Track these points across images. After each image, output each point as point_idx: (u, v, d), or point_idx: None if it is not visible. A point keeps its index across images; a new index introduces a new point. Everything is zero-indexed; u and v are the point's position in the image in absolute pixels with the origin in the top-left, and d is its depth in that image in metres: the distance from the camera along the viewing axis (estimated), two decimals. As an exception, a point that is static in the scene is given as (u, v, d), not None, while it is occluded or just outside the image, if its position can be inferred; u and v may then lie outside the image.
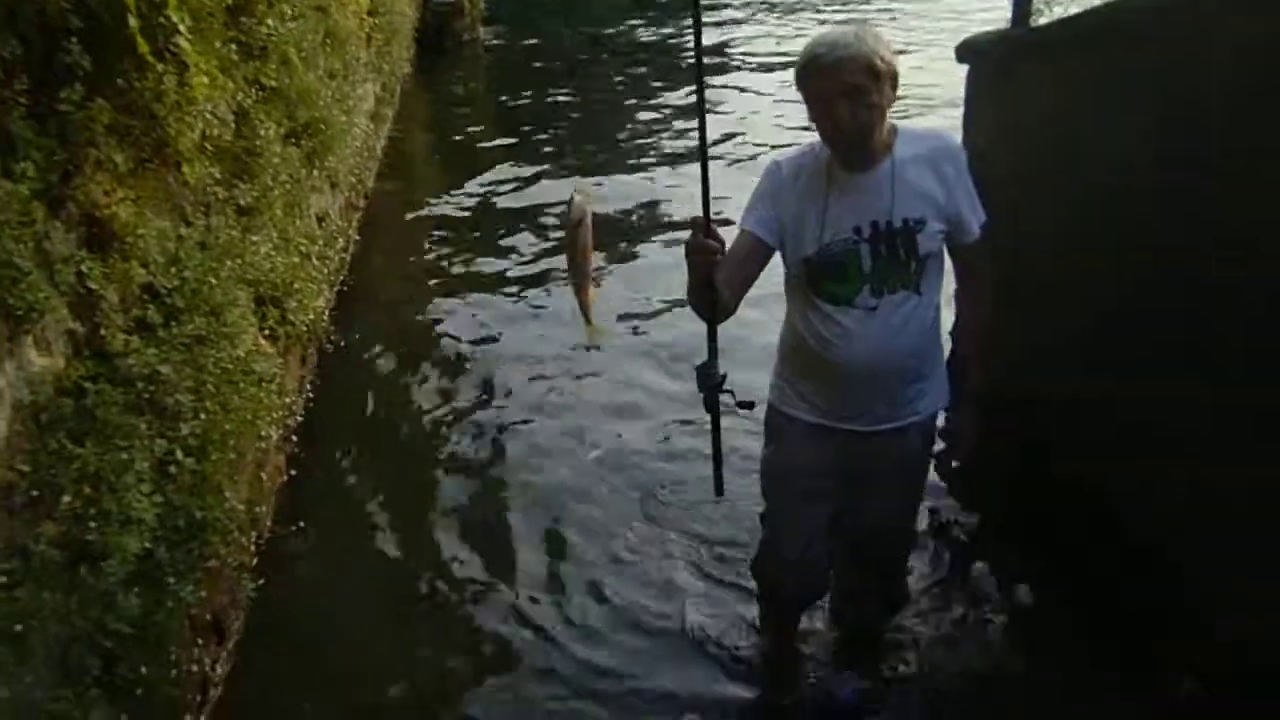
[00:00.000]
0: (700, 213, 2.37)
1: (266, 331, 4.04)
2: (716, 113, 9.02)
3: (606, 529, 3.83)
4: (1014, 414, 3.69)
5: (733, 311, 2.54)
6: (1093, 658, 3.02)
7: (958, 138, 2.54)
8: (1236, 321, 2.74)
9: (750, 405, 2.59)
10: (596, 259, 2.44)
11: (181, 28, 2.76)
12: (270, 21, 4.25)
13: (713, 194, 2.38)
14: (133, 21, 2.53)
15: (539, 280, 6.20)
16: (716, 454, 2.72)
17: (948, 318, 2.85)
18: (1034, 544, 3.54)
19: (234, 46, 3.75)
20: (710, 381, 2.48)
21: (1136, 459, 3.27)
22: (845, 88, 2.31)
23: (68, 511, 2.40)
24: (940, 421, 2.80)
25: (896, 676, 3.09)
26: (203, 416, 2.99)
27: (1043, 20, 4.10)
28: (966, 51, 4.40)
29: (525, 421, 4.64)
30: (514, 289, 6.13)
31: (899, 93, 2.39)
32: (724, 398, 2.52)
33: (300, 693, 3.20)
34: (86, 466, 2.45)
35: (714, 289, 2.38)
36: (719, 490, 2.77)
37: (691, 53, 2.53)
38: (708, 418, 2.62)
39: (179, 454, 2.89)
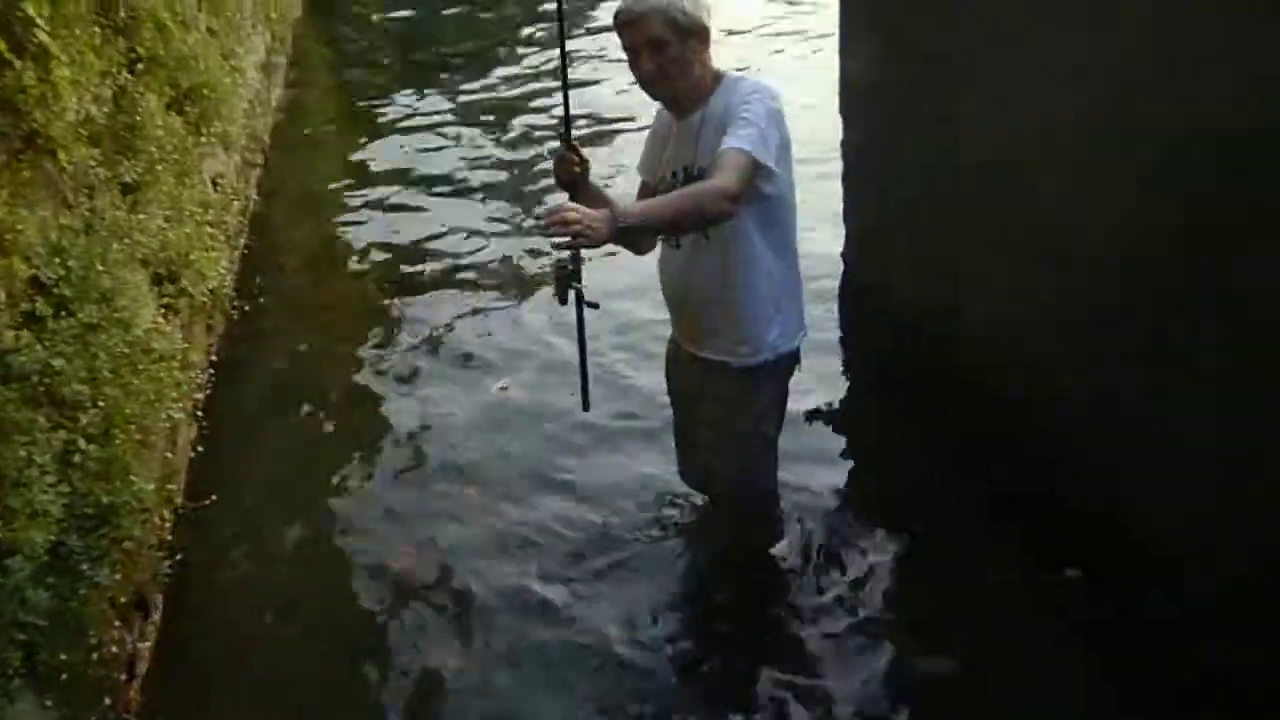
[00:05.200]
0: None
1: (165, 305, 4.05)
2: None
3: (514, 477, 3.96)
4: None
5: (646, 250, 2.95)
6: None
7: (775, 88, 2.62)
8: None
9: (594, 306, 2.60)
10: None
11: (39, 20, 2.73)
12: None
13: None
14: (-13, 20, 2.51)
15: (447, 224, 6.23)
16: (583, 368, 2.79)
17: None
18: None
19: (100, 27, 3.68)
20: (561, 271, 2.48)
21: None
22: (646, 39, 2.53)
23: (-28, 512, 2.45)
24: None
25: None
26: (101, 404, 3.03)
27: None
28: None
29: (433, 374, 4.74)
30: (424, 238, 6.14)
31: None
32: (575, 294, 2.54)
33: (227, 660, 3.30)
34: (-13, 466, 2.50)
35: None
36: (585, 406, 2.82)
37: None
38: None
39: (81, 442, 2.94)
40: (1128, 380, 3.15)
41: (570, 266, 2.49)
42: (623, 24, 2.58)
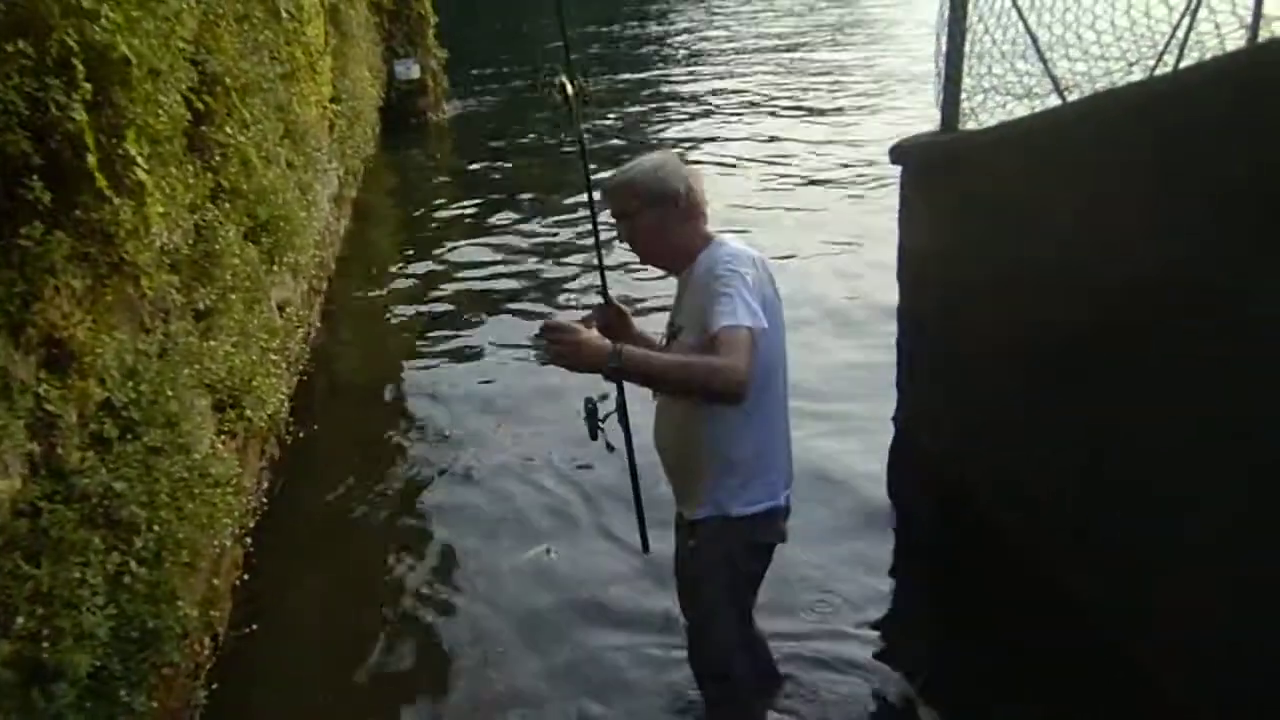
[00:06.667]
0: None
1: (224, 429, 4.13)
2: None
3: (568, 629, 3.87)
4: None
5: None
6: None
7: (752, 253, 2.65)
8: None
9: (611, 448, 2.93)
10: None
11: (139, 159, 2.88)
12: (229, 129, 4.38)
13: None
14: (91, 159, 2.65)
15: (502, 363, 6.33)
16: (638, 506, 2.93)
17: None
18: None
19: (192, 165, 3.87)
20: (589, 409, 2.70)
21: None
22: (618, 210, 2.71)
23: (22, 631, 2.47)
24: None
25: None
26: (157, 528, 3.07)
27: (969, 125, 4.31)
28: (899, 153, 4.61)
29: (485, 510, 4.72)
30: (477, 376, 6.23)
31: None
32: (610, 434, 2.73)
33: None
34: (40, 586, 2.53)
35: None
36: (644, 547, 3.00)
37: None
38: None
39: (133, 565, 2.97)
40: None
41: (594, 405, 2.67)
42: (604, 198, 2.77)
